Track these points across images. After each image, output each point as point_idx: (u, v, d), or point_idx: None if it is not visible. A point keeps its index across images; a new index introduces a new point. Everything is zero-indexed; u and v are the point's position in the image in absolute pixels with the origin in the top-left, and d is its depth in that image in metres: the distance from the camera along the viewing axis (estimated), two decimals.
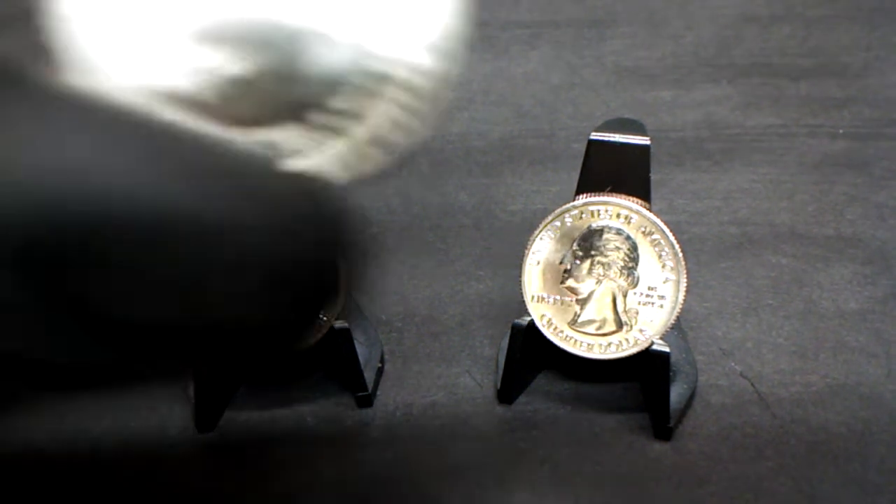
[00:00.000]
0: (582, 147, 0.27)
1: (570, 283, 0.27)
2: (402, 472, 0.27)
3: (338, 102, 0.16)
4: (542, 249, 0.27)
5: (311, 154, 0.16)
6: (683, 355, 0.29)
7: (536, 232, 0.27)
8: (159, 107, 0.15)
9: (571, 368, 0.29)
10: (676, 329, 0.29)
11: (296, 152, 0.16)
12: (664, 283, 0.26)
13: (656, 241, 0.26)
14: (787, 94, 0.47)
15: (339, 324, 0.27)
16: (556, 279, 0.27)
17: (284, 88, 0.16)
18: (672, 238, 0.26)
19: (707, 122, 0.45)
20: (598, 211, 0.26)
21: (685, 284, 0.26)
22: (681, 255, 0.26)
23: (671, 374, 0.27)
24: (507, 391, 0.28)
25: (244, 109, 0.15)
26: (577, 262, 0.27)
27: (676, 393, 0.27)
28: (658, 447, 0.27)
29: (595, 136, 0.26)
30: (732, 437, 0.27)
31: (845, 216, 0.37)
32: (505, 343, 0.28)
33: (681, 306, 0.26)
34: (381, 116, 0.17)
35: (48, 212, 0.11)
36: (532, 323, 0.27)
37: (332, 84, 0.16)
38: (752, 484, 0.26)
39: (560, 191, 0.39)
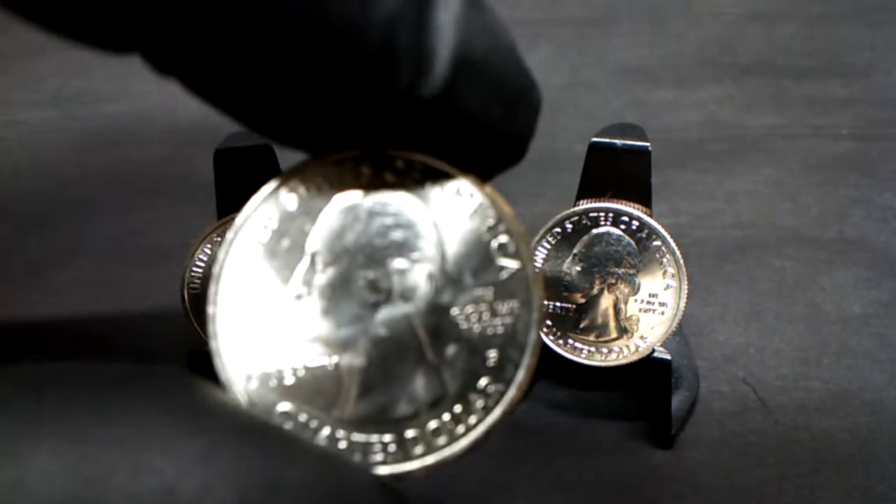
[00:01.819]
0: (583, 148, 0.27)
1: (571, 289, 0.26)
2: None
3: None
4: (542, 256, 0.26)
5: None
6: (685, 361, 0.28)
7: (536, 238, 0.26)
8: (275, 413, 0.16)
9: (572, 376, 0.28)
10: (678, 335, 0.29)
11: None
12: (665, 289, 0.26)
13: (657, 248, 0.26)
14: (791, 93, 0.47)
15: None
16: (556, 286, 0.26)
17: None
18: (673, 244, 0.26)
19: (710, 123, 0.45)
20: (599, 217, 0.26)
21: (686, 291, 0.26)
22: (682, 261, 0.26)
23: (673, 380, 0.27)
24: None
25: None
26: (578, 268, 0.26)
27: (678, 400, 0.27)
28: (660, 455, 0.27)
29: (595, 140, 0.26)
30: (734, 444, 0.27)
31: (849, 218, 0.37)
32: None
33: (682, 313, 0.26)
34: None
35: None
36: None
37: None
38: (753, 492, 0.25)
39: (561, 193, 0.39)
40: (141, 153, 0.45)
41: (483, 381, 0.16)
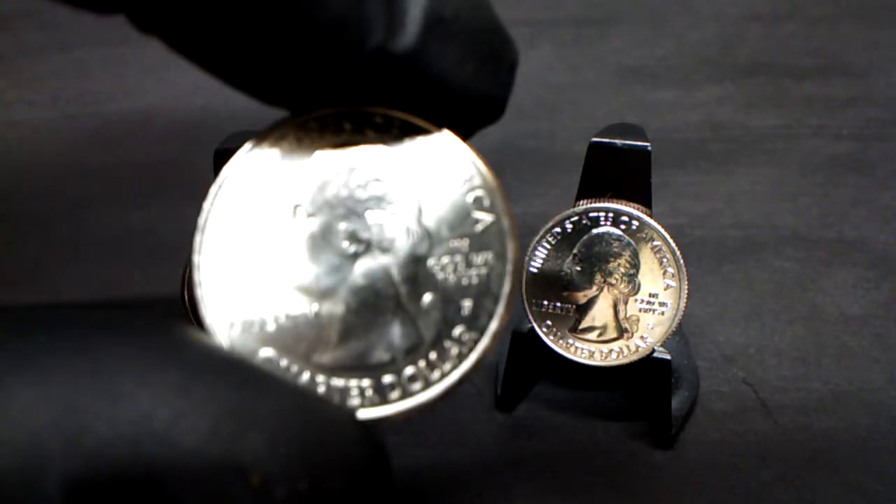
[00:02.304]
0: (583, 148, 0.27)
1: (571, 289, 0.26)
2: (401, 479, 0.26)
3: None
4: (542, 256, 0.26)
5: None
6: (685, 361, 0.28)
7: (536, 238, 0.26)
8: (257, 359, 0.16)
9: (572, 376, 0.28)
10: (678, 335, 0.29)
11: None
12: (665, 289, 0.26)
13: (657, 248, 0.26)
14: (791, 93, 0.47)
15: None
16: (556, 286, 0.26)
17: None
18: (673, 244, 0.26)
19: (710, 123, 0.45)
20: (599, 217, 0.26)
21: (686, 291, 0.26)
22: (682, 261, 0.26)
23: (673, 381, 0.27)
24: (508, 398, 0.28)
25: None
26: (578, 268, 0.26)
27: (678, 400, 0.27)
28: (659, 455, 0.27)
29: (596, 139, 0.26)
30: (734, 444, 0.27)
31: (849, 219, 0.37)
32: (505, 350, 0.28)
33: (682, 313, 0.26)
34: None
35: (104, 452, 0.12)
36: (532, 330, 0.27)
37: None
38: (753, 492, 0.25)
39: (561, 193, 0.39)
40: (140, 153, 0.45)
41: (458, 330, 0.17)
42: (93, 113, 0.49)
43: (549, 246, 0.26)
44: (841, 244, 0.35)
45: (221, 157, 0.26)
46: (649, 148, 0.26)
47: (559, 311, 0.27)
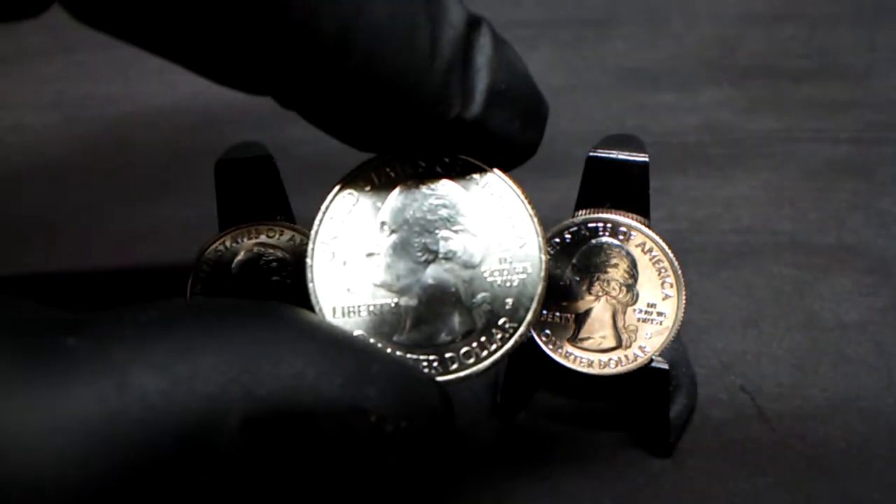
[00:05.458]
0: (582, 152, 0.27)
1: (570, 299, 0.27)
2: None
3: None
4: None
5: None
6: (683, 369, 0.29)
7: None
8: (356, 333, 0.21)
9: (571, 384, 0.29)
10: (676, 342, 0.29)
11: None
12: (664, 299, 0.26)
13: (656, 258, 0.26)
14: (790, 96, 0.47)
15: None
16: (555, 295, 0.27)
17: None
18: (671, 255, 0.26)
19: (709, 127, 0.45)
20: (597, 228, 0.26)
21: (685, 301, 0.26)
22: (680, 271, 0.26)
23: (671, 388, 0.27)
24: (507, 407, 0.28)
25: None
26: (577, 278, 0.27)
27: (676, 408, 0.27)
28: (658, 463, 0.27)
29: (593, 153, 0.26)
30: (732, 452, 0.27)
31: (847, 224, 0.37)
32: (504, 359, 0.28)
33: (680, 323, 0.26)
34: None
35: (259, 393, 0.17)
36: (531, 339, 0.27)
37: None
38: (751, 500, 0.26)
39: (560, 198, 0.39)
40: (143, 156, 0.45)
41: (502, 320, 0.21)
42: (95, 116, 0.49)
43: (547, 256, 0.27)
44: (839, 249, 0.35)
45: (223, 168, 0.27)
46: (647, 160, 0.26)
47: (558, 321, 0.27)
